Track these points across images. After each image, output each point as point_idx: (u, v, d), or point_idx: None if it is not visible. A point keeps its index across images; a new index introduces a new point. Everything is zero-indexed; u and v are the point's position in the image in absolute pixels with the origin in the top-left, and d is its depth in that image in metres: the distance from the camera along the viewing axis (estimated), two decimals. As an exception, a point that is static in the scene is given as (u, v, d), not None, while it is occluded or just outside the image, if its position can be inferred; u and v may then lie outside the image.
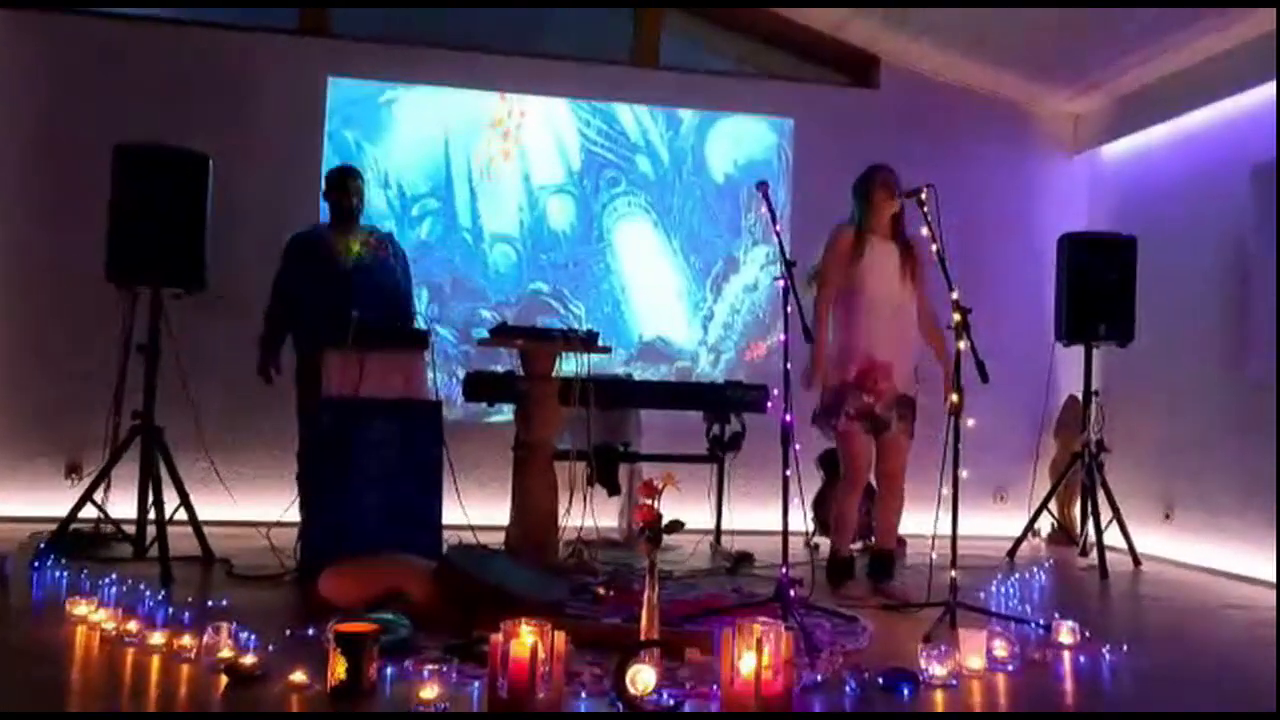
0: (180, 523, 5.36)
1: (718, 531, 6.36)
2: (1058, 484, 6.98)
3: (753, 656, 3.14)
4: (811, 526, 6.44)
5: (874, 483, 5.32)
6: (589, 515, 5.54)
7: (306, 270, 5.59)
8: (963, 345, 4.41)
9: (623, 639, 3.51)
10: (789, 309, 4.34)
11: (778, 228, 4.55)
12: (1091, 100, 7.79)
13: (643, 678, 3.05)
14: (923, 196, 4.58)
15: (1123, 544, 6.46)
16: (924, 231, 4.60)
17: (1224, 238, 6.55)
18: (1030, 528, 6.92)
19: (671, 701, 3.10)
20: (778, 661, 3.16)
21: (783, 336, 4.43)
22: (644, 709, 3.03)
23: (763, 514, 6.57)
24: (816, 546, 6.16)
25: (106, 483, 5.47)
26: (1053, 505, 7.05)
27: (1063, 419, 7.59)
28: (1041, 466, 7.38)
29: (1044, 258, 7.17)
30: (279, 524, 5.43)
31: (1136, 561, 6.46)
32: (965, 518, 4.46)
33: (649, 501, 3.40)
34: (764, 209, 4.49)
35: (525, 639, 3.01)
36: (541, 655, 3.03)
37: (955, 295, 4.45)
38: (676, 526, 3.44)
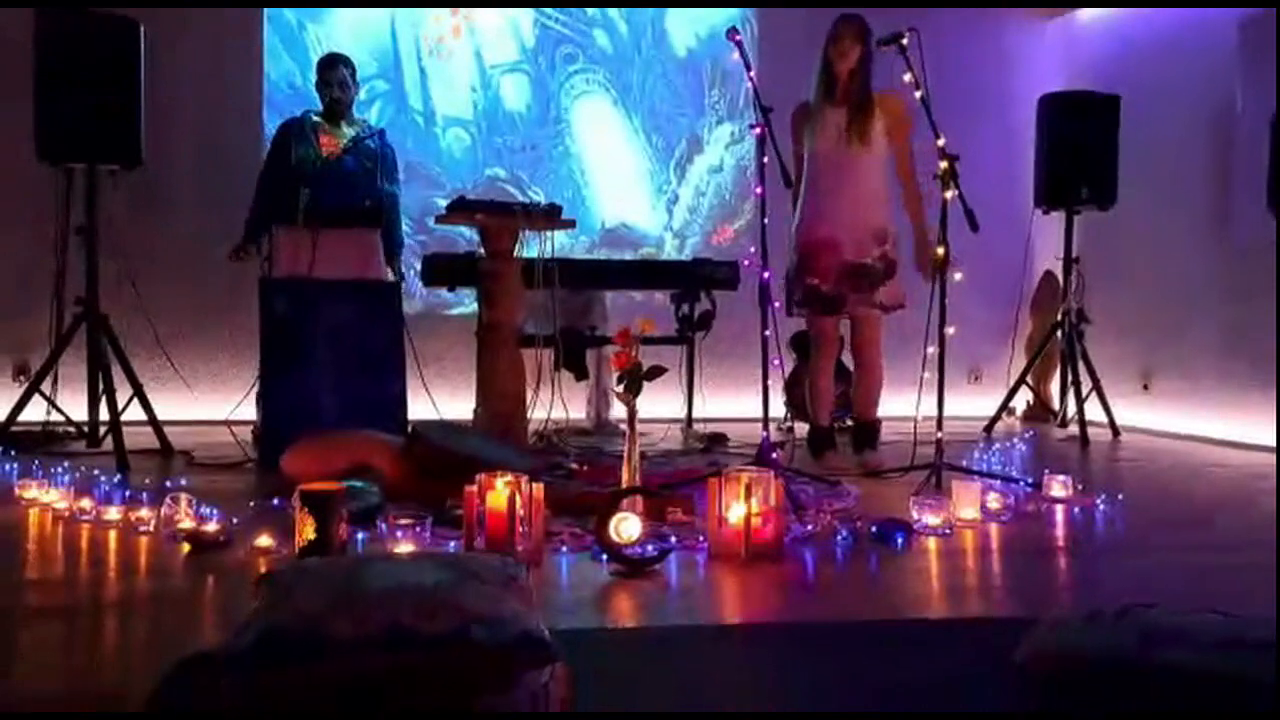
0: (137, 423, 5.12)
1: (689, 415, 6.18)
2: (1035, 356, 6.83)
3: (741, 505, 2.99)
4: (785, 411, 6.31)
5: (847, 363, 5.16)
6: (557, 402, 5.33)
7: (286, 159, 5.45)
8: (949, 195, 4.22)
9: (601, 502, 3.35)
10: (765, 159, 4.12)
11: (752, 74, 4.31)
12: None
13: (627, 526, 2.89)
14: (904, 42, 4.34)
15: (1101, 416, 6.36)
16: (906, 78, 4.37)
17: (1207, 96, 6.35)
18: (1007, 403, 6.79)
19: (656, 552, 2.93)
20: (767, 509, 3.02)
21: (759, 190, 4.21)
22: (628, 558, 2.86)
23: (734, 401, 6.43)
24: (791, 429, 6.03)
25: (54, 377, 5.22)
26: (1029, 380, 6.93)
27: (1038, 296, 7.42)
28: (1017, 344, 7.19)
29: (1020, 129, 6.97)
30: (240, 422, 5.18)
31: (1116, 431, 6.36)
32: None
33: (627, 349, 3.22)
34: (735, 55, 4.25)
35: (501, 490, 2.84)
36: (520, 509, 2.87)
37: (941, 142, 4.25)
38: (658, 372, 3.27)
